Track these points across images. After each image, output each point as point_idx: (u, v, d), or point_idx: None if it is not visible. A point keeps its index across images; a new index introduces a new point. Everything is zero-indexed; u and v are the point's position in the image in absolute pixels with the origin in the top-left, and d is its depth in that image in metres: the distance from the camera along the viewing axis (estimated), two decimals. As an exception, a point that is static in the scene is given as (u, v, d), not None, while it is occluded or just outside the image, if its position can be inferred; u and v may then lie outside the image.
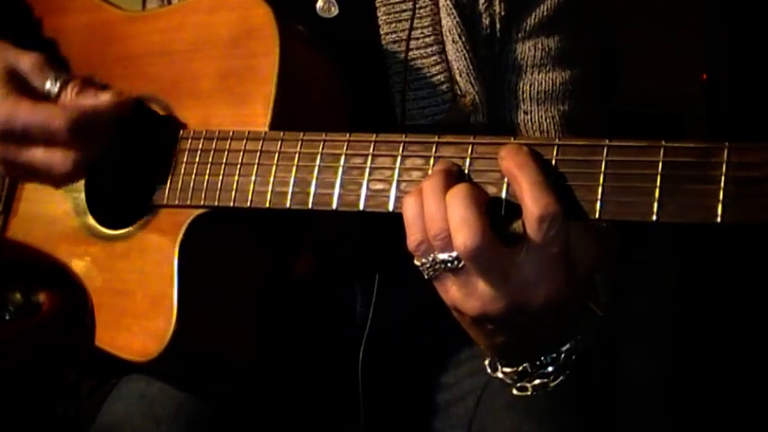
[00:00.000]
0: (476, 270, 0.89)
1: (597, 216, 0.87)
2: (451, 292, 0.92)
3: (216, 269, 1.16)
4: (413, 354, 1.33)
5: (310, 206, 1.02)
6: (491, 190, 0.91)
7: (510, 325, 0.93)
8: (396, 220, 0.94)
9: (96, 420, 1.21)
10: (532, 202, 0.86)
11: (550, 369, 1.00)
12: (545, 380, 1.01)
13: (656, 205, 0.84)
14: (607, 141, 0.87)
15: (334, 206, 1.00)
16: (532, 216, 0.86)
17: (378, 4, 1.23)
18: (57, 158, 1.10)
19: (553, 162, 0.89)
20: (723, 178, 0.81)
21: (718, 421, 2.34)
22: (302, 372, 1.32)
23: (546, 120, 1.26)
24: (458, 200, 0.88)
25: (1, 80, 1.12)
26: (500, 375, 1.03)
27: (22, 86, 1.13)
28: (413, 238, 0.91)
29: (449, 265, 0.90)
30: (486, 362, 1.04)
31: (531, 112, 1.26)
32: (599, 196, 0.86)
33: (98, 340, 0.94)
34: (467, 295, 0.90)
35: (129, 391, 1.23)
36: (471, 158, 0.93)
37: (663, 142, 0.84)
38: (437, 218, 0.89)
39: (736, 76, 2.52)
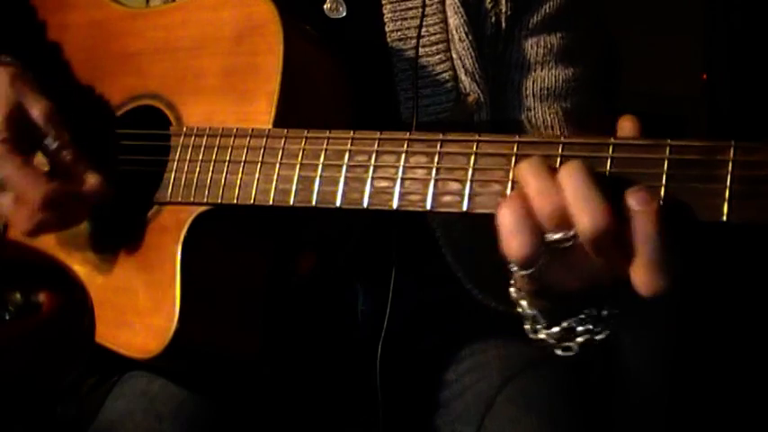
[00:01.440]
0: (591, 250, 0.84)
1: None
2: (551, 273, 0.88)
3: (218, 267, 1.16)
4: (414, 351, 1.33)
5: (314, 203, 1.02)
6: (496, 188, 0.91)
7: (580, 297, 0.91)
8: (399, 218, 0.93)
9: (98, 417, 1.21)
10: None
11: (591, 326, 0.95)
12: (588, 336, 0.95)
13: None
14: (612, 139, 0.87)
15: (338, 203, 1.00)
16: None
17: (384, 3, 1.23)
18: (21, 215, 1.12)
19: (557, 162, 0.88)
20: (729, 177, 0.80)
21: (717, 420, 2.34)
22: (304, 370, 1.32)
23: (549, 116, 1.26)
24: (579, 176, 0.83)
25: (4, 121, 1.13)
26: (542, 336, 0.97)
27: (18, 136, 1.13)
28: (523, 240, 0.85)
29: (560, 245, 0.85)
30: (527, 326, 0.98)
31: (534, 109, 1.25)
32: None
33: (100, 337, 0.94)
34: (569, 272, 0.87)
35: (131, 387, 1.23)
36: (476, 156, 0.93)
37: (669, 141, 0.84)
38: (551, 197, 0.84)
39: (736, 76, 2.53)
